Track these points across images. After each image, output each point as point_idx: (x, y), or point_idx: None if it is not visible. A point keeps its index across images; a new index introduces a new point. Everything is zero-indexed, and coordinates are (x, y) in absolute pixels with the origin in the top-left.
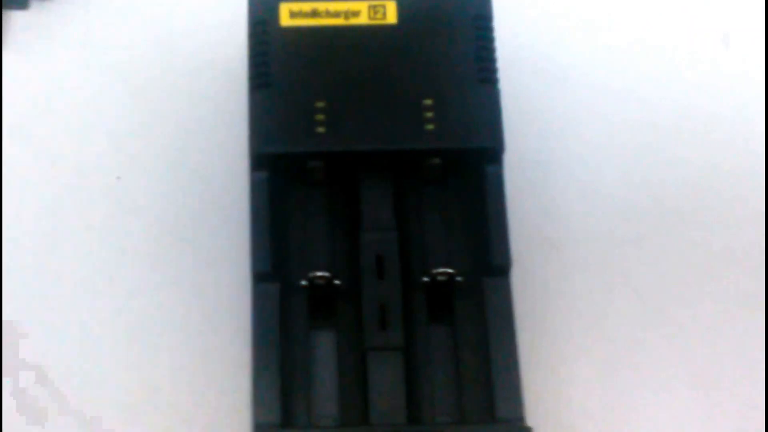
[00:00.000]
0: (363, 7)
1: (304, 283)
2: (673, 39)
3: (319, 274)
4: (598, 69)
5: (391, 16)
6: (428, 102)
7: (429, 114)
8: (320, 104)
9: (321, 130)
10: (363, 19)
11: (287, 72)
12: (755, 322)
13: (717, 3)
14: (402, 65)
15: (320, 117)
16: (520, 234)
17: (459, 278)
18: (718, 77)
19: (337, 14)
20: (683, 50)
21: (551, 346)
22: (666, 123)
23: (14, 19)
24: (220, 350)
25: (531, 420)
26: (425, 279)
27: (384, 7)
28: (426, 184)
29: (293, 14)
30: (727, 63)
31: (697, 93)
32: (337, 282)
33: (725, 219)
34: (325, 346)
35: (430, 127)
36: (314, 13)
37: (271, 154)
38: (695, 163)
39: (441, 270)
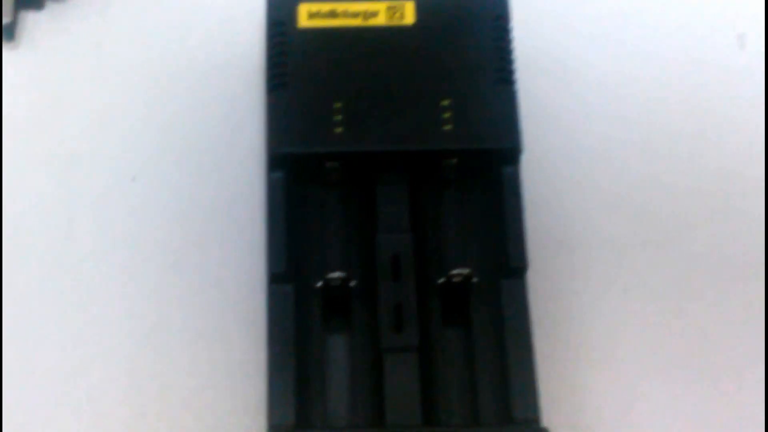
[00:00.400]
0: (381, 7)
1: (319, 284)
2: (689, 40)
3: (335, 275)
4: (615, 71)
5: (409, 17)
6: (446, 102)
7: (446, 114)
8: (338, 105)
9: (338, 130)
10: (381, 20)
11: (305, 72)
12: None
13: (732, 4)
14: (420, 66)
15: (338, 117)
16: (536, 236)
17: (475, 279)
18: (734, 79)
19: (355, 15)
20: (699, 51)
21: (567, 347)
22: (682, 125)
23: (29, 19)
24: (235, 351)
25: (547, 421)
26: (441, 280)
27: (402, 7)
28: (443, 185)
29: (311, 15)
30: (743, 64)
31: (713, 95)
32: (352, 283)
33: (742, 221)
34: (340, 347)
35: (447, 127)
36: (332, 14)
37: (288, 154)
38: (711, 165)
39: (457, 271)
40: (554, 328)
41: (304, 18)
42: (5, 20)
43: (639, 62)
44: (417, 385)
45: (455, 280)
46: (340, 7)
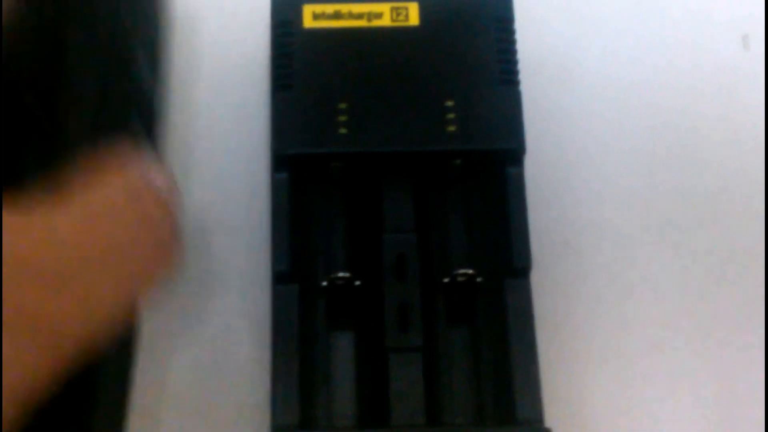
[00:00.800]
0: (385, 9)
1: (324, 283)
2: (693, 41)
3: (340, 274)
4: (618, 71)
5: (414, 18)
6: (450, 104)
7: (451, 116)
8: (342, 105)
9: (343, 131)
10: (385, 21)
11: (309, 73)
12: None
13: (737, 5)
14: (424, 67)
15: (342, 118)
16: (540, 235)
17: (479, 279)
18: (738, 79)
19: (359, 16)
20: (703, 52)
21: (571, 347)
22: (686, 125)
23: None
24: (239, 350)
25: (550, 421)
26: (446, 280)
27: (406, 9)
28: (447, 185)
29: (316, 16)
30: (747, 65)
31: (717, 95)
32: (357, 283)
33: (746, 220)
34: (344, 346)
35: (451, 128)
36: (337, 15)
37: (293, 154)
38: (715, 164)
39: (461, 271)
40: (558, 328)
41: (309, 19)
42: None
43: (643, 62)
44: (421, 385)
45: (460, 279)
46: (344, 8)
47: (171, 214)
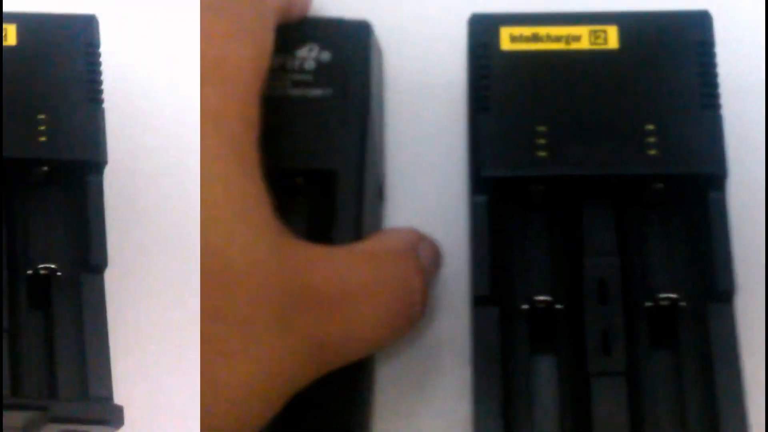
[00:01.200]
0: (584, 31)
1: (525, 306)
2: None
3: (541, 298)
4: None
5: (613, 41)
6: (650, 127)
7: (651, 139)
8: (541, 128)
9: (542, 154)
10: (584, 44)
11: (508, 96)
12: None
13: None
14: (623, 90)
15: (541, 141)
16: (742, 259)
17: (682, 303)
18: None
19: (558, 39)
20: None
21: None
22: None
23: None
24: (440, 374)
25: None
26: (648, 304)
27: (605, 32)
28: (648, 209)
29: (514, 38)
30: None
31: None
32: (558, 306)
33: None
34: (546, 370)
35: (652, 152)
36: (535, 38)
37: (492, 177)
38: None
39: (664, 295)
40: (763, 353)
41: (507, 41)
42: None
43: None
44: (625, 410)
45: (662, 303)
46: (542, 31)
47: (424, 283)
